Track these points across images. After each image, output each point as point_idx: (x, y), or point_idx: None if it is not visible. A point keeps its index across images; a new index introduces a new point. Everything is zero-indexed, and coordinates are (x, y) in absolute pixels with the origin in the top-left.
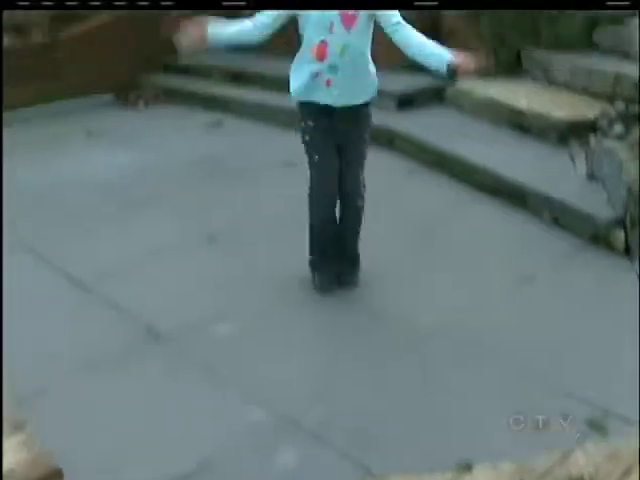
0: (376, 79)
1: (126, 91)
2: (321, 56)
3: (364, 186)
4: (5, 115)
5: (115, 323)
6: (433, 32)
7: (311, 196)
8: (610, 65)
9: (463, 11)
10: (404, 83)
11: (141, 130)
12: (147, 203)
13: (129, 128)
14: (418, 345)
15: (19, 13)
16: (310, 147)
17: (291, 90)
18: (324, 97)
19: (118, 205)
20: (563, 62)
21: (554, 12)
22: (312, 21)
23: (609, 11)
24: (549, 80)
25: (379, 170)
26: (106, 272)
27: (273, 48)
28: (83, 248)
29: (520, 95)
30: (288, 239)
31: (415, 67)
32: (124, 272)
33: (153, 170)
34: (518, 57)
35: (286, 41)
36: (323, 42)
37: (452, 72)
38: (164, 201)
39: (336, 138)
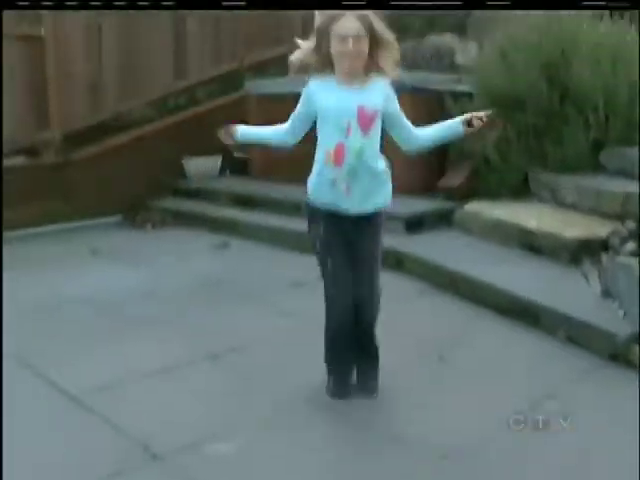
0: (390, 181)
1: (134, 213)
2: (339, 161)
3: (380, 290)
4: (12, 234)
5: (111, 441)
6: (440, 154)
7: (327, 303)
8: (618, 185)
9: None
10: (412, 206)
11: (147, 251)
12: (149, 322)
13: (135, 248)
14: (429, 469)
15: (32, 134)
16: (323, 254)
17: (309, 195)
18: (343, 204)
19: (118, 323)
20: (570, 183)
21: (560, 135)
22: (329, 122)
23: (613, 132)
24: (557, 201)
25: (389, 291)
26: (103, 389)
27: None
28: (81, 364)
29: (529, 216)
30: (294, 355)
31: (422, 190)
32: (121, 389)
33: (157, 290)
34: (525, 179)
35: (290, 164)
36: (340, 145)
37: (468, 123)
38: (166, 320)
39: (350, 244)
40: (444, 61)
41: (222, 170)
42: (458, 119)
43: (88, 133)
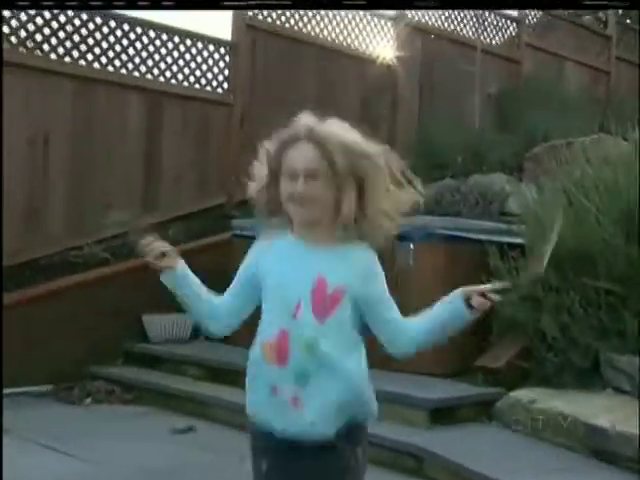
0: (368, 387)
1: (71, 382)
2: (281, 357)
3: None
4: None
5: None
6: (480, 323)
7: None
8: None
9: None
10: (439, 390)
11: (81, 434)
12: None
13: (66, 430)
14: None
15: None
16: None
17: (247, 410)
18: (289, 425)
19: None
20: None
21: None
22: (272, 298)
23: None
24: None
25: None
26: None
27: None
28: None
29: (599, 410)
30: None
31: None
32: None
33: None
34: (595, 362)
35: None
36: (283, 334)
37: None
38: None
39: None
40: (493, 207)
41: (194, 332)
42: (458, 295)
43: (18, 271)
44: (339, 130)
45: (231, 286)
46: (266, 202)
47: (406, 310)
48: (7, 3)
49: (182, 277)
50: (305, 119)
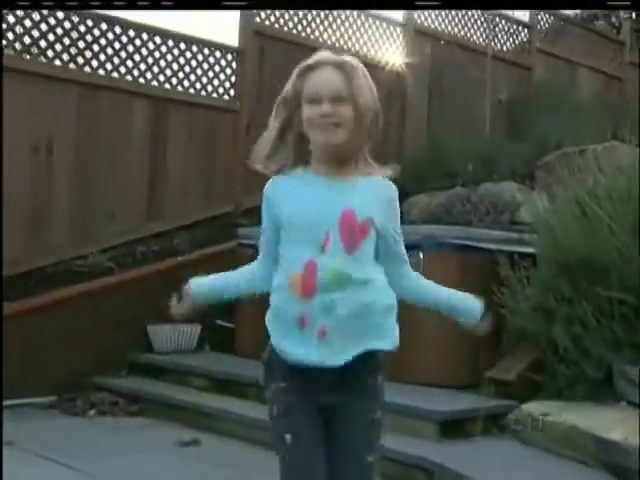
0: (395, 319)
1: (74, 393)
2: (308, 289)
3: None
4: None
5: None
6: (490, 333)
7: None
8: None
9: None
10: (449, 403)
11: (85, 447)
12: None
13: (68, 442)
14: None
15: None
16: (280, 427)
17: (272, 342)
18: (314, 354)
19: None
20: None
21: None
22: (297, 232)
23: None
24: None
25: None
26: None
27: None
28: None
29: (612, 423)
30: None
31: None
32: None
33: None
34: (608, 375)
35: None
36: (311, 265)
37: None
38: None
39: (327, 422)
40: (504, 216)
41: (200, 343)
42: (476, 310)
43: (21, 281)
44: (362, 67)
45: (261, 240)
46: (282, 148)
47: (415, 319)
48: (7, 3)
49: (196, 293)
50: (324, 51)
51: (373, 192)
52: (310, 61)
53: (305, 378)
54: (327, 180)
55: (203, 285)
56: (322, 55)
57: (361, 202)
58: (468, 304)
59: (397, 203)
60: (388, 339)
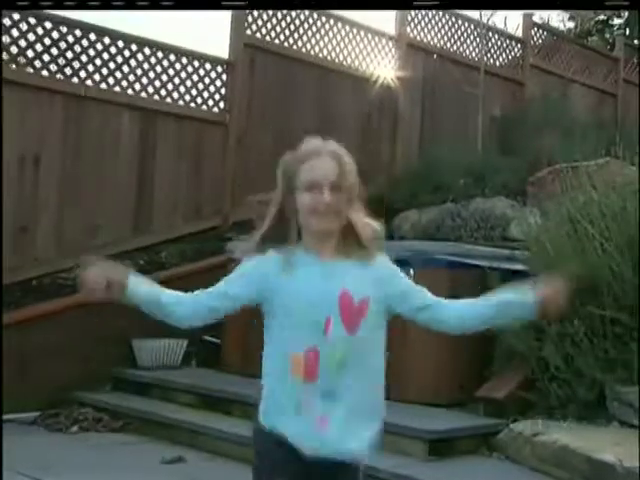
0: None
1: (56, 409)
2: (310, 374)
3: None
4: None
5: None
6: (480, 351)
7: None
8: None
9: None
10: (438, 421)
11: (66, 463)
12: None
13: (49, 459)
14: None
15: None
16: None
17: (261, 417)
18: (312, 441)
19: None
20: None
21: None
22: (296, 315)
23: None
24: None
25: None
26: None
27: None
28: None
29: (604, 444)
30: None
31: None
32: None
33: None
34: (600, 394)
35: None
36: (313, 351)
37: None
38: None
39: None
40: (495, 232)
41: (186, 358)
42: (528, 290)
43: (5, 293)
44: (346, 152)
45: (218, 288)
46: (272, 225)
47: (406, 338)
48: (7, 3)
49: (131, 292)
50: (314, 140)
51: (367, 269)
52: (307, 150)
53: (298, 468)
54: (320, 258)
55: (142, 281)
56: (316, 144)
57: (356, 281)
58: (518, 306)
59: (394, 267)
60: (379, 419)
